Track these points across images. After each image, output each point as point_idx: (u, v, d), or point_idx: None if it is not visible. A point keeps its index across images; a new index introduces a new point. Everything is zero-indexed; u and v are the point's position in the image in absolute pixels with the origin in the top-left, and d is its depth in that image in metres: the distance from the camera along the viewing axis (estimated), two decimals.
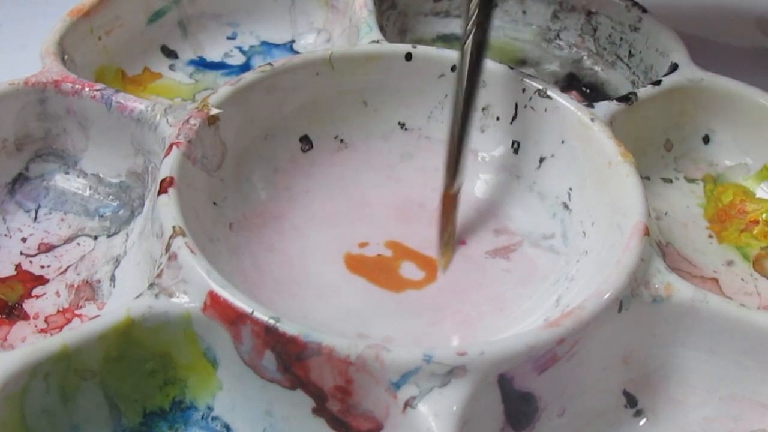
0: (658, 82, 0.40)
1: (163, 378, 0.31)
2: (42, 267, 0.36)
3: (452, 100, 0.36)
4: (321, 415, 0.29)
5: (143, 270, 0.34)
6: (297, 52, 0.45)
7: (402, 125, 0.40)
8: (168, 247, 0.31)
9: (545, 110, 0.37)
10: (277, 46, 0.46)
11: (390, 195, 0.39)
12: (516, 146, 0.39)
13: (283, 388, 0.29)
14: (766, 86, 0.40)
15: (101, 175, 0.39)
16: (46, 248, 0.37)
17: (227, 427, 0.31)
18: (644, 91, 0.39)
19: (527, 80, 0.38)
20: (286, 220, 0.37)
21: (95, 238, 0.37)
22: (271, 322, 0.29)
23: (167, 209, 0.32)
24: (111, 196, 0.38)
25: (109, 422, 0.30)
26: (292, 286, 0.35)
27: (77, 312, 0.34)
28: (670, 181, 0.40)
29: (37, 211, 0.38)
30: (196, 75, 0.44)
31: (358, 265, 0.36)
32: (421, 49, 0.39)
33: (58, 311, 0.34)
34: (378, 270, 0.36)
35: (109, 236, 0.37)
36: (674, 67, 0.40)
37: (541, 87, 0.38)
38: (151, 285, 0.30)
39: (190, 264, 0.30)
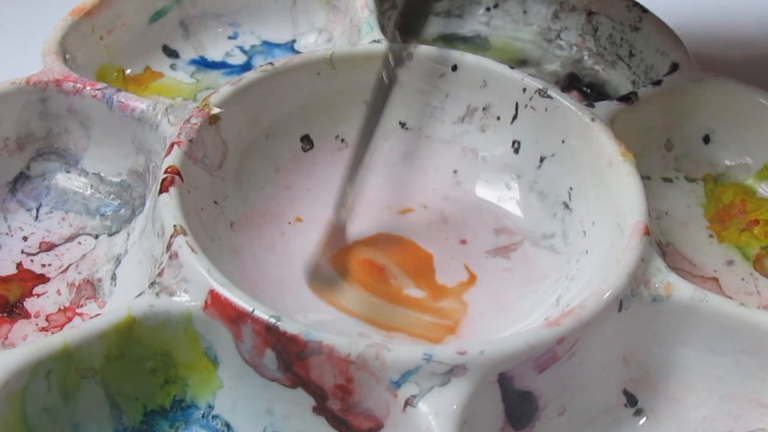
0: (658, 82, 0.40)
1: (164, 377, 0.31)
2: (43, 266, 0.36)
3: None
4: (321, 414, 0.30)
5: (144, 269, 0.34)
6: (298, 52, 0.45)
7: (403, 125, 0.40)
8: (169, 246, 0.31)
9: (546, 110, 0.37)
10: (278, 45, 0.46)
11: (391, 194, 0.39)
12: (516, 146, 0.39)
13: (284, 386, 0.30)
14: (766, 86, 0.40)
15: (102, 174, 0.39)
16: (47, 247, 0.37)
17: (228, 426, 0.31)
18: (645, 91, 0.39)
19: (528, 80, 0.38)
20: (287, 219, 0.37)
21: (96, 236, 0.37)
22: (272, 320, 0.29)
23: (168, 208, 0.32)
24: (112, 195, 0.38)
25: (110, 421, 0.30)
26: (293, 285, 0.35)
27: (78, 311, 0.34)
28: (671, 181, 0.40)
29: (38, 210, 0.38)
30: (197, 74, 0.44)
31: (359, 264, 0.36)
32: (421, 49, 0.39)
33: (59, 310, 0.35)
34: (378, 268, 0.36)
35: (110, 235, 0.37)
36: (675, 67, 0.40)
37: (541, 86, 0.38)
38: (152, 284, 0.30)
39: (191, 263, 0.30)
